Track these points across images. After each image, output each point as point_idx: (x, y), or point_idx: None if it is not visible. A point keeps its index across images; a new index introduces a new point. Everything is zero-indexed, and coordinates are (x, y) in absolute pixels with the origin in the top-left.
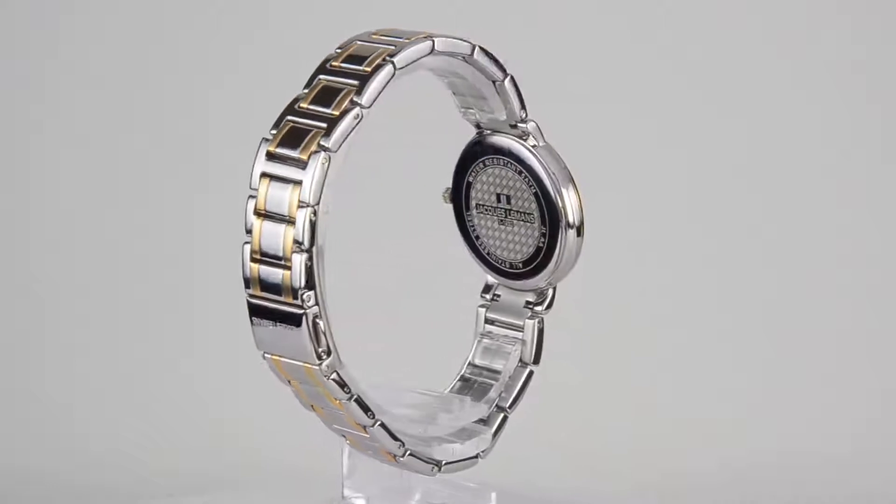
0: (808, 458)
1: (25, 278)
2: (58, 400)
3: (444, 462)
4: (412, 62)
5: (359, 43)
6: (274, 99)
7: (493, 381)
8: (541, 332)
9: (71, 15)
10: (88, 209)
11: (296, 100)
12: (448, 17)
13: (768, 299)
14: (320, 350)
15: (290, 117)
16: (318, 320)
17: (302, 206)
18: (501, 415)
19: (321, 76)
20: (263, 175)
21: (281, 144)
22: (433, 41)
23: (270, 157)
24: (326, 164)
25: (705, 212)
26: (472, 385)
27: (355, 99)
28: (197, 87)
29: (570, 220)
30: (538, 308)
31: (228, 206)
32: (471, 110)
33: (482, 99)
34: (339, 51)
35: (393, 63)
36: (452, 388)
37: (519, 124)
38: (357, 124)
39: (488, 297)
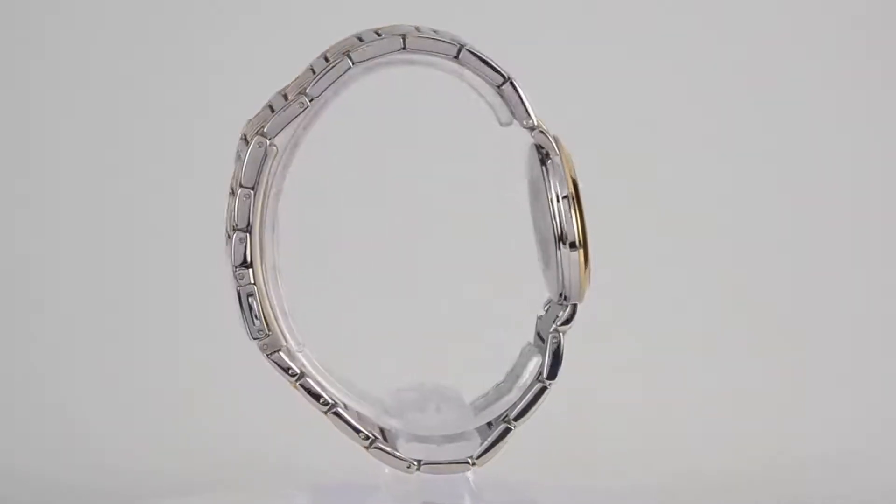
0: (808, 458)
1: (23, 279)
2: (57, 401)
3: (423, 461)
4: (372, 58)
5: (352, 40)
6: None
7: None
8: (557, 348)
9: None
10: (88, 207)
11: (280, 90)
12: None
13: (769, 301)
14: (255, 328)
15: (268, 104)
16: (251, 299)
17: (238, 186)
18: (504, 425)
19: (309, 68)
20: (238, 156)
21: (249, 128)
22: (403, 38)
23: (242, 138)
24: (261, 148)
25: (706, 214)
26: (500, 391)
27: (306, 90)
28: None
29: (565, 236)
30: (559, 324)
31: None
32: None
33: (490, 105)
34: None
35: (350, 58)
36: (487, 393)
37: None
38: (301, 112)
39: (544, 308)
